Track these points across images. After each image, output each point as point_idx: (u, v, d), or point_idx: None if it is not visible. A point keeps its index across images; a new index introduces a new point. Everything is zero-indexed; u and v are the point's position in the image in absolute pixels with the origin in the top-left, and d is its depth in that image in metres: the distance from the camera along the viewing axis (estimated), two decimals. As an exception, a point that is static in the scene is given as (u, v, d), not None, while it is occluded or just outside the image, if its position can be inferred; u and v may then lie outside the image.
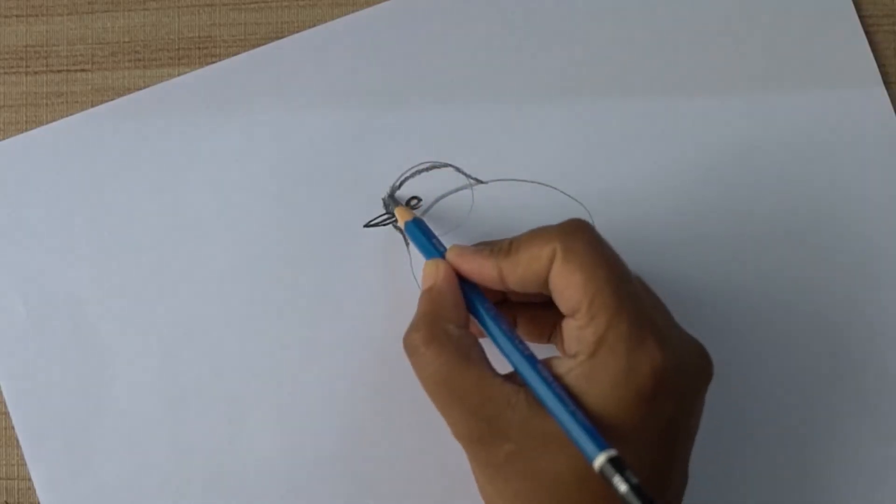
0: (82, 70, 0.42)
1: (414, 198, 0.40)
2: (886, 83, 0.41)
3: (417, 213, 0.40)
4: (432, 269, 0.35)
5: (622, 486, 0.28)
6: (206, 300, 0.40)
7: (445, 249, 0.35)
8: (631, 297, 0.31)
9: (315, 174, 0.40)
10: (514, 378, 0.32)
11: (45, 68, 0.42)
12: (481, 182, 0.40)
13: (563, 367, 0.31)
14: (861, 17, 0.41)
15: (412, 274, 0.40)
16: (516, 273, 0.33)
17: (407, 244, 0.40)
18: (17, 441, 0.39)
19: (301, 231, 0.40)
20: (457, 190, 0.40)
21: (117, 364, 0.39)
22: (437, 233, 0.40)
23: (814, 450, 0.39)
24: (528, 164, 0.40)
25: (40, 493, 0.39)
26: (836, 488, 0.39)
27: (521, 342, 0.32)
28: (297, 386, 0.39)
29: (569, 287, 0.31)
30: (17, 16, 0.42)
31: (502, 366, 0.33)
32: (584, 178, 0.40)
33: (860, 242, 0.40)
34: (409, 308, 0.39)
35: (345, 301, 0.40)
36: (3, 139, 0.41)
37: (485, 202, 0.40)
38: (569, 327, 0.32)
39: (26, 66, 0.42)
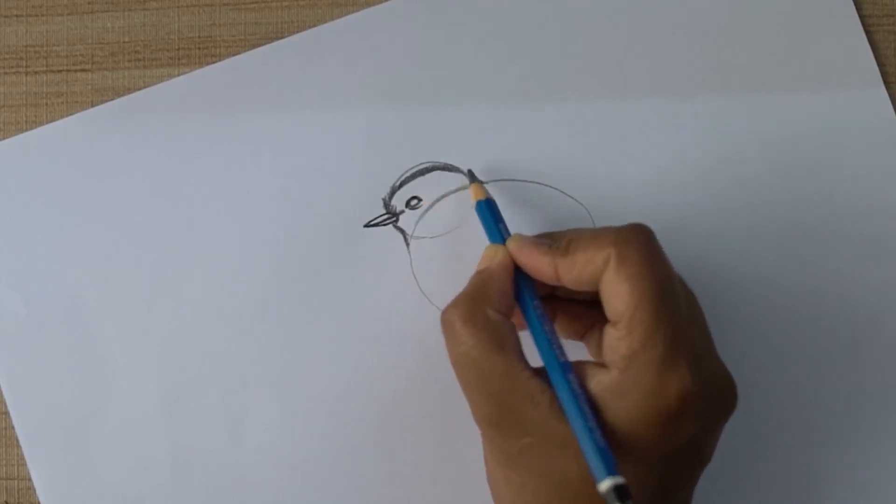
0: (82, 70, 0.42)
1: (414, 198, 0.40)
2: (886, 83, 0.41)
3: (418, 213, 0.40)
4: (491, 252, 0.35)
5: None
6: (205, 300, 0.40)
7: (509, 236, 0.35)
8: (672, 316, 0.31)
9: (315, 174, 0.40)
10: (544, 374, 0.32)
11: (45, 68, 0.42)
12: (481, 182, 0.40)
13: (594, 377, 0.31)
14: (861, 17, 0.41)
15: (412, 274, 0.40)
16: (571, 273, 0.33)
17: (407, 244, 0.40)
18: (17, 441, 0.39)
19: (301, 231, 0.40)
20: (457, 190, 0.40)
21: (117, 364, 0.39)
22: (437, 232, 0.40)
23: (825, 452, 0.39)
24: (528, 164, 0.40)
25: (40, 493, 0.39)
26: (848, 494, 0.39)
27: (559, 347, 0.32)
28: (297, 386, 0.39)
29: (615, 296, 0.31)
30: (17, 16, 0.42)
31: (537, 359, 0.33)
32: (584, 178, 0.40)
33: (860, 242, 0.40)
34: (409, 308, 0.39)
35: (344, 301, 0.40)
36: (3, 139, 0.41)
37: (485, 202, 0.40)
38: (608, 335, 0.32)
39: (26, 66, 0.42)
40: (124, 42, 0.42)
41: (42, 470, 0.39)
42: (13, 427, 0.39)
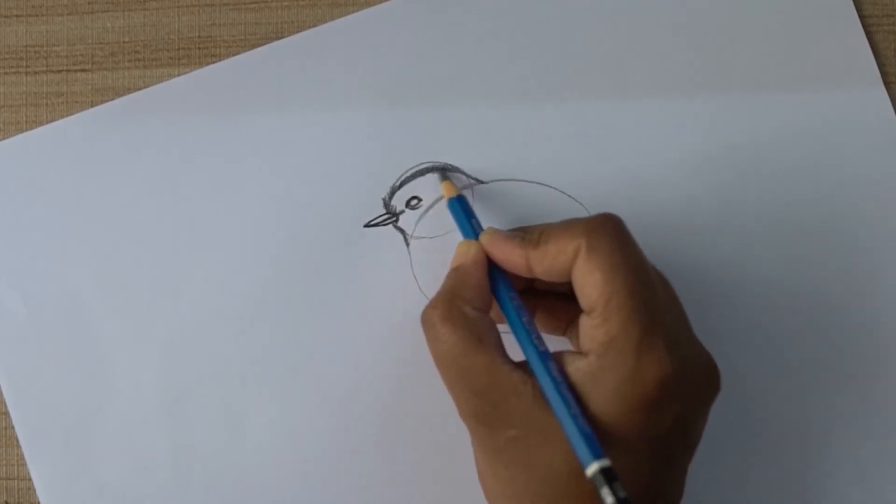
0: (82, 70, 0.42)
1: (414, 198, 0.40)
2: (886, 83, 0.41)
3: (418, 213, 0.40)
4: (464, 249, 0.35)
5: (609, 499, 0.29)
6: (205, 300, 0.40)
7: (482, 230, 0.36)
8: (647, 302, 0.31)
9: (315, 174, 0.40)
10: (525, 367, 0.32)
11: (45, 68, 0.42)
12: (481, 182, 0.40)
13: (572, 364, 0.31)
14: (861, 17, 0.41)
15: (412, 274, 0.40)
16: (543, 265, 0.33)
17: (407, 244, 0.40)
18: (17, 441, 0.39)
19: (301, 231, 0.40)
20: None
21: (117, 364, 0.39)
22: (437, 232, 0.40)
23: (818, 448, 0.39)
24: (528, 164, 0.40)
25: (40, 493, 0.39)
26: (840, 490, 0.39)
27: (539, 337, 0.33)
28: (297, 386, 0.39)
29: (587, 285, 0.31)
30: (17, 16, 0.42)
31: (518, 353, 0.33)
32: (584, 178, 0.40)
33: (860, 242, 0.40)
34: (409, 308, 0.39)
35: (344, 301, 0.40)
36: (3, 139, 0.41)
37: (485, 202, 0.40)
38: (584, 324, 0.32)
39: (26, 66, 0.42)
40: (124, 42, 0.42)
41: (42, 470, 0.39)
42: (13, 427, 0.39)
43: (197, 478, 0.39)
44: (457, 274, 0.35)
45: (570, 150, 0.40)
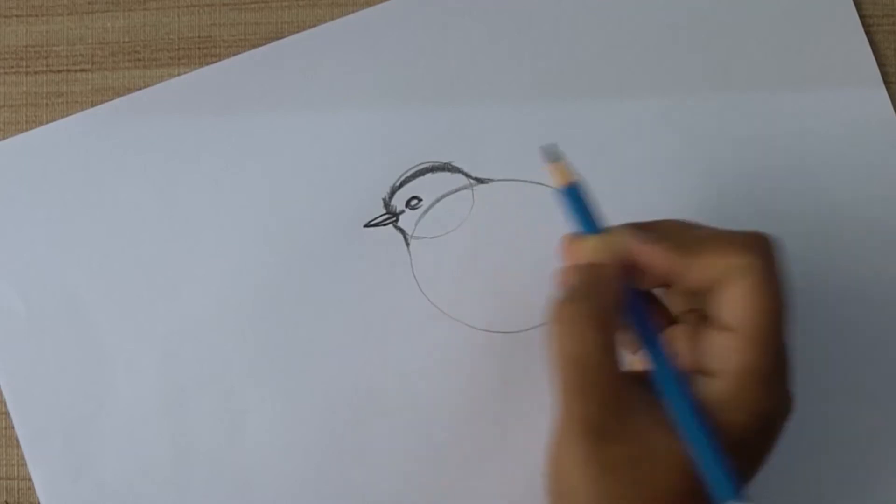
0: (82, 70, 0.42)
1: (414, 198, 0.40)
2: (886, 83, 0.41)
3: (418, 213, 0.40)
4: (592, 244, 0.32)
5: None
6: (205, 300, 0.40)
7: (606, 226, 0.32)
8: (786, 334, 0.30)
9: (315, 174, 0.40)
10: (645, 380, 0.31)
11: (45, 68, 0.42)
12: (481, 182, 0.40)
13: (705, 388, 0.30)
14: (861, 17, 0.41)
15: (412, 274, 0.40)
16: (690, 274, 0.31)
17: (407, 244, 0.40)
18: (17, 441, 0.39)
19: (301, 232, 0.40)
20: (457, 190, 0.40)
21: (117, 363, 0.39)
22: (437, 232, 0.40)
23: (823, 448, 0.39)
24: (528, 164, 0.40)
25: (40, 493, 0.39)
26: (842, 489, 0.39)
27: (672, 358, 0.31)
28: (297, 385, 0.39)
29: (740, 306, 0.30)
30: (17, 16, 0.42)
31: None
32: (584, 178, 0.40)
33: (859, 242, 0.40)
34: (409, 308, 0.39)
35: (344, 301, 0.40)
36: (3, 139, 0.41)
37: (485, 202, 0.40)
38: (720, 342, 0.30)
39: (26, 66, 0.42)
40: (124, 42, 0.42)
41: (42, 470, 0.39)
42: (13, 427, 0.39)
43: (197, 478, 0.39)
44: (598, 273, 0.31)
45: (571, 150, 0.40)
